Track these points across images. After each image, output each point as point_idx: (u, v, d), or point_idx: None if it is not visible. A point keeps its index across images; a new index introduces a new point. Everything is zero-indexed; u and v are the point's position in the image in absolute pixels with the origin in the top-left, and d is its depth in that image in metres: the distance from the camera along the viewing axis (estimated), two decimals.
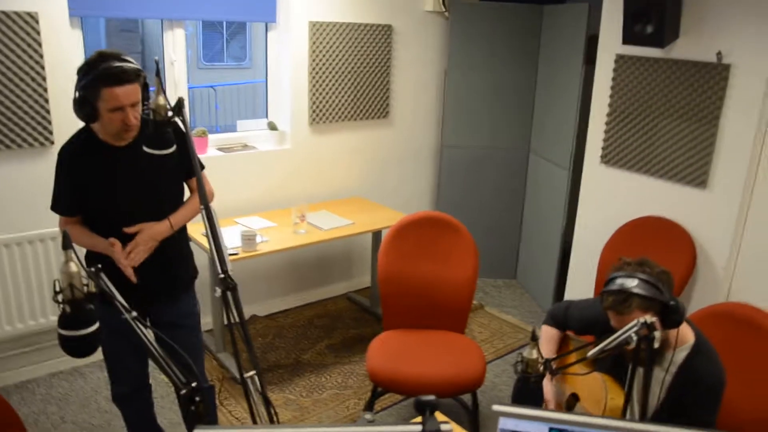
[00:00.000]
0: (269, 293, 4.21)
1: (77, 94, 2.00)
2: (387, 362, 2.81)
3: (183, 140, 1.93)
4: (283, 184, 4.06)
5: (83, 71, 1.99)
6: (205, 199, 1.59)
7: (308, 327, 4.08)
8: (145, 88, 2.07)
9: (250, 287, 4.09)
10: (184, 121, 1.67)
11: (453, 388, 2.75)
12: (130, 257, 2.11)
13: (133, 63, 2.02)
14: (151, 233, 2.18)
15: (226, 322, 1.64)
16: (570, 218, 4.04)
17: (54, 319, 3.21)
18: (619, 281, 1.85)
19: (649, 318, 1.60)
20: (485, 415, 3.14)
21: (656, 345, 1.58)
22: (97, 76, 1.94)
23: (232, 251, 3.11)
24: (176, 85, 3.58)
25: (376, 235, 4.14)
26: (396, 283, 3.08)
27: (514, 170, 4.72)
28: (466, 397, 3.12)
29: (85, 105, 2.00)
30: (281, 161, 4.01)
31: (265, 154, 3.94)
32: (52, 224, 3.11)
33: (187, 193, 2.43)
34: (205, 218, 1.56)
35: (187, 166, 2.19)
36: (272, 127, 3.99)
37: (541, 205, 4.52)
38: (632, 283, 1.81)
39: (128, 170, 2.14)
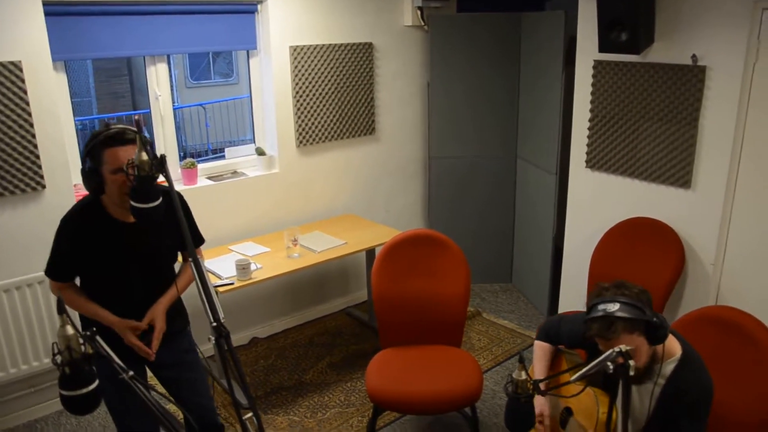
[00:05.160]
0: (269, 315, 4.27)
1: (84, 164, 2.08)
2: (385, 383, 2.86)
3: (179, 212, 1.89)
4: (275, 208, 4.11)
5: (89, 141, 2.07)
6: (194, 254, 1.64)
7: (309, 346, 4.13)
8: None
9: (249, 310, 4.14)
10: (167, 178, 1.72)
11: (450, 405, 2.81)
12: (153, 345, 2.19)
13: (134, 130, 2.09)
14: (161, 316, 2.24)
15: (223, 367, 1.69)
16: (561, 221, 4.10)
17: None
18: (601, 307, 1.86)
19: (624, 347, 1.64)
20: (486, 425, 3.20)
21: (632, 373, 1.62)
22: (100, 140, 2.04)
23: (227, 281, 3.17)
24: (162, 119, 3.63)
25: (370, 250, 4.19)
26: (390, 303, 3.13)
27: (503, 177, 4.77)
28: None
29: (91, 174, 2.07)
30: (271, 185, 4.06)
31: (255, 179, 3.99)
32: None
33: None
34: (195, 271, 1.62)
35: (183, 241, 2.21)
36: (260, 152, 4.04)
37: (531, 210, 4.58)
38: (614, 308, 1.81)
39: (132, 246, 2.20)
